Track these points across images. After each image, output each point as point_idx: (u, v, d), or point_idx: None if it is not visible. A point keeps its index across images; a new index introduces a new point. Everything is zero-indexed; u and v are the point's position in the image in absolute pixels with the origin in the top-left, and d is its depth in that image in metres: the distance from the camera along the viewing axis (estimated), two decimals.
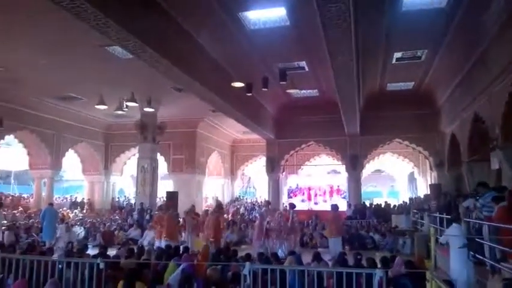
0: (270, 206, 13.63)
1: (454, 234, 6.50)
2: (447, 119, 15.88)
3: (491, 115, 10.25)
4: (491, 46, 9.80)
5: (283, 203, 21.13)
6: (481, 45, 10.24)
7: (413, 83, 15.66)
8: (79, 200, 23.95)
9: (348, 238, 13.88)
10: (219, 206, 13.20)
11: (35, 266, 5.95)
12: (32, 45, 10.89)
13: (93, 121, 20.83)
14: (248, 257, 7.46)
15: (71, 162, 23.04)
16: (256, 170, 28.28)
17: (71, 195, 26.28)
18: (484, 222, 7.00)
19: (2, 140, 16.67)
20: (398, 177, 30.94)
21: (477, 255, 6.76)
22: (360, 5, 7.60)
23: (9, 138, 17.88)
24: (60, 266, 6.19)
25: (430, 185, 18.63)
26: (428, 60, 12.78)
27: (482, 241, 6.83)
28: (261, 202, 25.22)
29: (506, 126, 9.33)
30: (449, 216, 8.50)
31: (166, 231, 11.47)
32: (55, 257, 6.38)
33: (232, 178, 27.65)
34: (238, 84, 11.84)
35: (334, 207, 12.60)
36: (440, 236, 8.89)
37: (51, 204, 13.96)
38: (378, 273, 4.95)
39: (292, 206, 12.53)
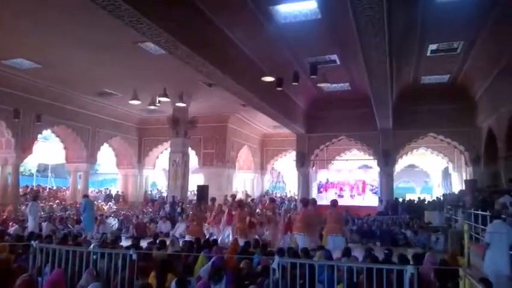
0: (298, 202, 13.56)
1: (498, 231, 6.29)
2: (484, 113, 15.37)
3: None
4: None
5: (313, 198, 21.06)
6: None
7: (448, 76, 15.22)
8: (113, 192, 24.59)
9: (379, 234, 13.70)
10: (238, 202, 12.97)
11: (70, 256, 6.14)
12: (69, 43, 11.23)
13: (127, 116, 21.31)
14: (279, 251, 7.46)
15: (106, 156, 23.68)
16: (286, 164, 28.24)
17: (105, 188, 27.03)
18: None
19: (40, 135, 17.31)
20: (432, 172, 30.26)
21: None
22: None
23: (47, 132, 18.58)
24: (94, 256, 6.37)
25: (465, 180, 18.09)
26: (465, 52, 12.39)
27: None
28: (291, 197, 25.27)
29: None
30: (484, 213, 8.24)
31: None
32: (90, 247, 6.56)
33: (262, 172, 27.71)
34: (268, 79, 11.82)
35: (334, 202, 11.41)
36: (475, 232, 8.67)
37: (86, 195, 14.43)
38: (409, 270, 4.84)
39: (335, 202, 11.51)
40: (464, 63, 13.51)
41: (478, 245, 7.15)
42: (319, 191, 21.39)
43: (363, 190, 20.89)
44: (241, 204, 12.30)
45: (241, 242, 9.27)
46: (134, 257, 5.82)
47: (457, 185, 21.59)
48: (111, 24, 8.24)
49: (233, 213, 12.05)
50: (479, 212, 9.11)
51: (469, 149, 17.55)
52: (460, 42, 11.68)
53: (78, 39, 10.86)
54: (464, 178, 19.11)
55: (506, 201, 8.04)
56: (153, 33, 7.82)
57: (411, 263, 6.15)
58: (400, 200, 19.28)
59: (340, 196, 20.24)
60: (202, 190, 19.44)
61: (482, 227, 8.27)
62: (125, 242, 9.78)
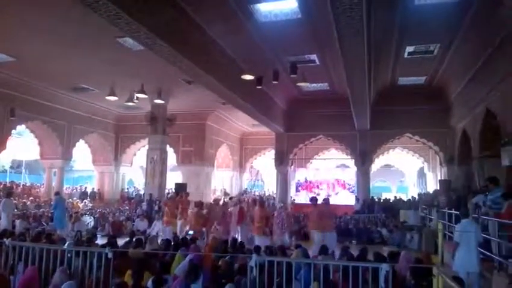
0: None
1: (466, 230, 6.44)
2: (458, 114, 15.72)
3: (504, 110, 10.13)
4: (505, 40, 9.66)
5: (291, 197, 21.22)
6: (495, 40, 10.10)
7: (425, 77, 15.52)
8: (89, 190, 24.19)
9: (355, 232, 13.90)
10: (259, 200, 12.64)
11: (44, 254, 6.03)
12: (45, 37, 10.97)
13: (104, 112, 20.99)
14: (257, 249, 7.48)
15: (81, 152, 23.27)
16: (264, 163, 28.31)
17: (80, 185, 26.57)
18: (492, 219, 6.95)
19: (13, 130, 16.86)
20: (407, 172, 30.79)
21: (484, 251, 6.72)
22: None
23: (21, 128, 18.12)
24: (69, 254, 6.26)
25: (439, 180, 18.49)
26: (441, 55, 12.65)
27: (489, 237, 6.79)
28: (269, 195, 25.34)
29: None
30: (458, 212, 8.44)
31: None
32: (65, 246, 6.44)
33: (240, 171, 27.72)
34: (248, 77, 11.82)
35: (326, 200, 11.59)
36: (449, 231, 8.87)
37: (58, 193, 14.11)
38: (384, 268, 4.93)
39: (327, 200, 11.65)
40: (441, 66, 13.79)
41: (451, 243, 7.31)
42: (297, 190, 21.54)
43: (343, 187, 21.15)
44: (262, 202, 11.75)
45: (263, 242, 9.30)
46: (110, 255, 5.76)
47: (432, 185, 22.04)
48: (89, 19, 8.10)
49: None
50: (453, 212, 9.33)
51: (443, 149, 17.93)
52: (436, 44, 11.91)
53: (54, 33, 10.60)
54: (439, 178, 19.52)
55: (479, 201, 8.23)
56: (132, 29, 7.71)
57: (387, 261, 6.25)
58: (376, 199, 19.58)
59: (318, 195, 20.43)
60: (180, 188, 19.24)
61: (456, 226, 8.47)
62: (100, 240, 9.65)
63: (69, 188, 25.23)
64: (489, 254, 6.76)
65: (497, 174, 9.08)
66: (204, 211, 12.63)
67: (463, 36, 10.76)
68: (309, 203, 11.48)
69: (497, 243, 6.69)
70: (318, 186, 21.42)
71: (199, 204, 12.42)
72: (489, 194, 7.79)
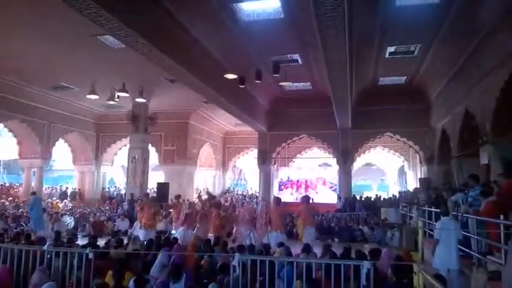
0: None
1: (446, 227, 6.56)
2: (438, 114, 16.00)
3: (482, 110, 10.34)
4: (484, 42, 9.86)
5: (274, 195, 21.26)
6: (474, 41, 10.31)
7: (405, 77, 15.74)
8: (69, 190, 23.80)
9: (337, 230, 14.02)
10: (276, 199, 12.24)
11: (23, 255, 5.93)
12: (24, 34, 10.74)
13: (85, 111, 20.67)
14: (240, 248, 7.48)
15: (61, 152, 22.89)
16: (247, 162, 28.31)
17: (60, 185, 26.11)
18: (471, 216, 7.09)
19: None
20: (388, 170, 31.17)
21: (463, 248, 6.85)
22: None
23: None
24: (49, 255, 6.17)
25: (419, 179, 18.80)
26: (421, 55, 12.84)
27: (469, 234, 6.93)
28: (252, 194, 25.36)
29: (497, 121, 9.42)
30: (437, 210, 8.59)
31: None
32: (44, 247, 6.34)
33: (223, 170, 27.66)
34: (231, 76, 11.81)
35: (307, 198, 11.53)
36: (429, 229, 9.02)
37: (34, 193, 13.82)
38: (366, 265, 4.99)
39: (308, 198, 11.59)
40: (421, 66, 14.00)
41: (431, 241, 7.44)
42: (280, 189, 21.61)
43: (316, 188, 21.28)
44: (279, 200, 11.27)
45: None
46: (91, 255, 5.70)
47: (412, 183, 22.34)
48: (69, 16, 7.93)
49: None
50: (433, 209, 9.48)
51: (423, 148, 18.23)
52: (417, 45, 12.09)
53: (33, 30, 10.39)
54: (419, 176, 19.85)
55: (458, 199, 8.40)
56: (113, 27, 7.62)
57: (368, 258, 6.33)
58: (358, 197, 19.78)
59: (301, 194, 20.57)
60: (162, 188, 19.14)
61: (436, 223, 8.61)
62: (81, 241, 9.53)
63: (48, 187, 24.78)
64: (468, 251, 6.90)
65: (476, 173, 9.29)
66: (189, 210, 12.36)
67: (443, 37, 10.95)
68: (293, 201, 11.49)
69: (477, 240, 6.83)
70: (300, 185, 21.52)
71: (218, 206, 11.65)
72: (470, 190, 7.96)
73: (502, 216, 5.77)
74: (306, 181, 21.61)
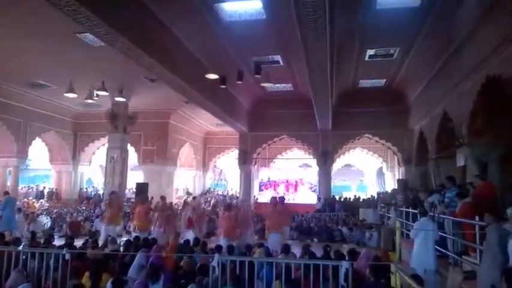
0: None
1: (423, 228, 6.67)
2: (416, 116, 16.27)
3: (460, 113, 10.54)
4: (462, 45, 10.07)
5: (254, 196, 21.31)
6: (452, 45, 10.51)
7: (385, 80, 15.97)
8: (46, 190, 23.33)
9: (316, 231, 14.13)
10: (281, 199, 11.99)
11: None
12: (2, 31, 10.45)
13: (62, 110, 20.26)
14: (218, 249, 7.47)
15: (38, 151, 22.41)
16: (228, 162, 28.24)
17: (37, 185, 25.58)
18: (448, 217, 7.23)
19: None
20: (367, 172, 31.53)
21: (440, 249, 6.99)
22: (335, 1, 7.68)
23: None
24: (24, 256, 6.05)
25: (397, 180, 19.09)
26: (401, 58, 13.05)
27: (445, 235, 7.07)
28: (232, 195, 25.32)
29: (474, 123, 9.62)
30: (415, 211, 8.74)
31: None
32: (20, 247, 6.21)
33: (204, 170, 27.52)
34: (212, 76, 11.77)
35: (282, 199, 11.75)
36: (407, 229, 9.16)
37: (7, 192, 13.49)
38: (344, 265, 5.05)
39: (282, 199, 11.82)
40: (400, 69, 14.22)
41: (408, 241, 7.56)
42: (260, 189, 21.65)
43: (295, 189, 21.42)
44: (282, 200, 11.35)
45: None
46: (67, 256, 5.62)
47: (390, 184, 22.68)
48: (47, 12, 7.78)
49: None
50: (410, 210, 9.65)
51: (401, 150, 18.53)
52: (396, 48, 12.29)
53: (9, 26, 10.13)
54: (397, 177, 20.15)
55: (435, 200, 8.57)
56: (92, 24, 7.50)
57: (346, 258, 6.40)
58: (337, 198, 19.97)
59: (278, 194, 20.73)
60: (141, 188, 18.91)
61: (413, 224, 8.76)
62: (58, 241, 9.36)
63: (24, 187, 24.26)
64: (444, 251, 7.04)
65: (452, 175, 9.50)
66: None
67: (422, 41, 11.15)
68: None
69: (453, 241, 6.97)
70: (276, 187, 21.64)
71: (228, 208, 11.20)
72: (447, 192, 8.13)
73: (477, 217, 5.91)
74: (287, 181, 21.73)
